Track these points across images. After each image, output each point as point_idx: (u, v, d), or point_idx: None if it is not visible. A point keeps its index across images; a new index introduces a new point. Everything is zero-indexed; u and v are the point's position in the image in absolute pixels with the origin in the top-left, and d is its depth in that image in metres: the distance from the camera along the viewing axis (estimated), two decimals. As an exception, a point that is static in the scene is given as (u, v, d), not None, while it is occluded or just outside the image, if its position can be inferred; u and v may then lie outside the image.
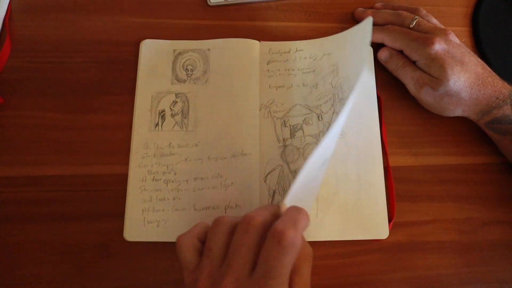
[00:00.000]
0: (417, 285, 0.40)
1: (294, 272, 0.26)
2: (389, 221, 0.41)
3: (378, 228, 0.40)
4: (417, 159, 0.44)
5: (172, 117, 0.42)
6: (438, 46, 0.40)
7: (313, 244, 0.39)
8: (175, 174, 0.40)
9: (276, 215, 0.28)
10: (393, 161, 0.43)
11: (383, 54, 0.45)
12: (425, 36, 0.41)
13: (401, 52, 0.44)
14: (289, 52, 0.46)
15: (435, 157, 0.44)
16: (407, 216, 0.42)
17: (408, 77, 0.43)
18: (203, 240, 0.29)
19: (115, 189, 0.40)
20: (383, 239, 0.40)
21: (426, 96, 0.42)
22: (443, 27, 0.43)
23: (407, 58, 0.43)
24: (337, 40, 0.45)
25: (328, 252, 0.40)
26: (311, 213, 0.40)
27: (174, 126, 0.42)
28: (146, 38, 0.44)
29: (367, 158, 0.43)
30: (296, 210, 0.27)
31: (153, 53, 0.44)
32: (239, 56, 0.44)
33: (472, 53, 0.42)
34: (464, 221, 0.42)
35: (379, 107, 0.45)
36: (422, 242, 0.41)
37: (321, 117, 0.43)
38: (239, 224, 0.28)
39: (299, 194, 0.30)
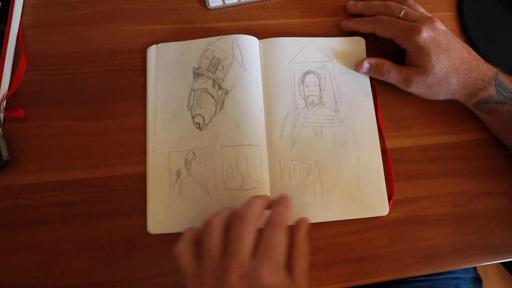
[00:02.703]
0: (418, 254, 0.43)
1: (293, 263, 0.32)
2: (389, 199, 0.44)
3: (379, 206, 0.44)
4: (411, 140, 0.47)
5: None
6: (425, 34, 0.43)
7: (321, 224, 0.43)
8: (189, 170, 0.43)
9: (267, 205, 0.34)
10: (390, 144, 0.46)
11: (363, 68, 0.47)
12: (413, 25, 0.44)
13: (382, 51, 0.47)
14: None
15: (428, 137, 0.47)
16: (406, 193, 0.45)
17: (395, 79, 0.45)
18: (196, 244, 0.32)
19: (136, 188, 0.43)
20: (384, 216, 0.44)
21: (416, 89, 0.44)
22: (430, 15, 0.46)
23: (388, 62, 0.45)
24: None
25: (335, 231, 0.43)
26: (317, 197, 0.43)
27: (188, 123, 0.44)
28: (153, 44, 0.47)
29: (366, 142, 0.46)
30: (283, 200, 0.34)
31: (161, 57, 0.47)
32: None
33: (457, 39, 0.45)
34: (458, 194, 0.45)
35: (374, 95, 0.48)
36: (421, 216, 0.44)
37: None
38: (234, 220, 0.32)
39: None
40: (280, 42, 0.48)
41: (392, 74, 0.45)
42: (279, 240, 0.31)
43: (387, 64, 0.45)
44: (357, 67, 0.48)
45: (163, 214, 0.42)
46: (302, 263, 0.32)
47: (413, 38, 0.43)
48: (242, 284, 0.28)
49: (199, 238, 0.32)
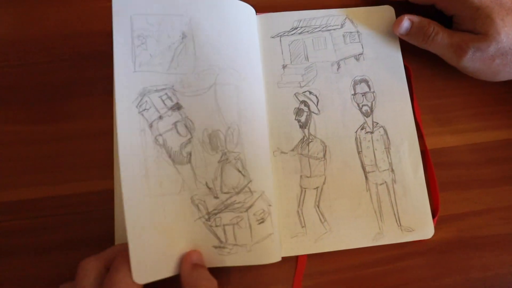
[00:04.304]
0: (474, 290, 0.33)
1: None
2: (433, 216, 0.34)
3: (421, 226, 0.34)
4: (459, 138, 0.37)
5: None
6: (482, -8, 0.32)
7: (341, 253, 0.33)
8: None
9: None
10: (431, 143, 0.37)
11: (401, 27, 0.36)
12: None
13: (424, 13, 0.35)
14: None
15: (482, 133, 0.38)
16: (454, 207, 0.36)
17: (443, 47, 0.34)
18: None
19: (103, 209, 0.34)
20: (427, 239, 0.34)
21: (472, 62, 0.34)
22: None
23: (434, 23, 0.35)
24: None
25: (359, 260, 0.34)
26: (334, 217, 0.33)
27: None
28: None
29: (400, 142, 0.36)
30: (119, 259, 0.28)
31: None
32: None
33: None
34: (525, 208, 0.35)
35: (408, 80, 0.37)
36: (475, 237, 0.35)
37: None
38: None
39: None
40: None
41: (441, 38, 0.34)
42: None
43: (433, 24, 0.35)
44: (393, 27, 0.37)
45: (149, 251, 0.32)
46: None
47: (467, -2, 0.32)
48: None
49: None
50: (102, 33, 0.38)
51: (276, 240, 0.32)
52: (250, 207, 0.31)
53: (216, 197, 0.31)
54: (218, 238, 0.30)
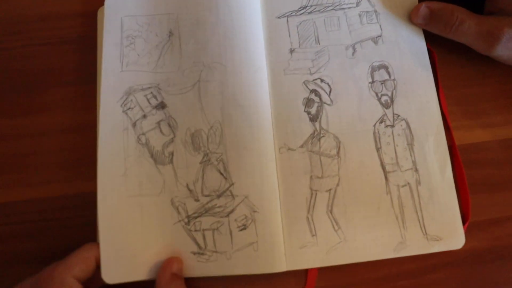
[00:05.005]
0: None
1: None
2: (463, 222, 0.31)
3: (449, 233, 0.30)
4: (491, 132, 0.34)
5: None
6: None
7: (356, 266, 0.29)
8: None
9: None
10: (460, 138, 0.33)
11: (419, 16, 0.32)
12: None
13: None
14: None
15: None
16: (488, 212, 0.32)
17: (471, 36, 0.30)
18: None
19: (83, 215, 0.31)
20: (457, 250, 0.30)
21: (507, 50, 0.29)
22: None
23: (459, 9, 0.30)
24: None
25: (378, 274, 0.30)
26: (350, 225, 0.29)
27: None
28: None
29: (424, 138, 0.32)
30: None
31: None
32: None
33: None
34: None
35: (433, 66, 0.33)
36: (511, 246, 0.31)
37: None
38: None
39: None
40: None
41: (467, 26, 0.30)
42: None
43: (457, 11, 0.30)
44: (410, 15, 0.33)
45: (122, 252, 0.29)
46: None
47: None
48: None
49: None
50: (84, 14, 0.34)
51: (263, 249, 0.29)
52: (231, 212, 0.29)
53: (197, 200, 0.30)
54: (197, 244, 0.29)
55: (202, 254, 0.29)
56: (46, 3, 0.34)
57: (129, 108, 0.31)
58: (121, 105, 0.31)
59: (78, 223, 0.30)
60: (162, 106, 0.31)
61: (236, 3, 0.32)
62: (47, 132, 0.32)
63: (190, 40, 0.32)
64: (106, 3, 0.32)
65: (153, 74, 0.31)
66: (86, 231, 0.30)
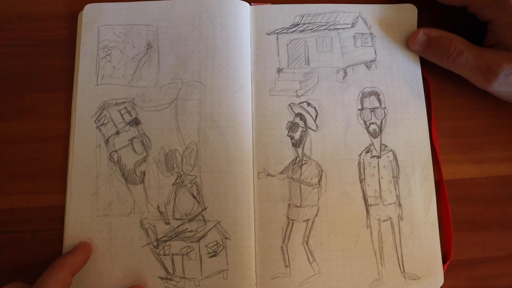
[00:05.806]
0: None
1: None
2: (444, 261, 0.30)
3: (428, 273, 0.29)
4: (482, 168, 0.32)
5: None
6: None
7: None
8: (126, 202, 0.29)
9: None
10: (448, 172, 0.32)
11: (416, 42, 0.31)
12: None
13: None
14: None
15: (508, 165, 0.32)
16: (469, 251, 0.31)
17: (469, 67, 0.29)
18: None
19: (52, 229, 0.29)
20: None
21: (504, 86, 0.28)
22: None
23: (458, 39, 0.29)
24: None
25: None
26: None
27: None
28: (87, 4, 0.32)
29: (411, 171, 0.30)
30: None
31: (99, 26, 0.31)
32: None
33: None
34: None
35: (427, 95, 0.32)
36: None
37: None
38: None
39: None
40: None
41: (465, 58, 0.28)
42: None
43: (456, 41, 0.29)
44: (408, 41, 0.31)
45: (87, 272, 0.28)
46: None
47: (507, 1, 0.26)
48: None
49: None
50: (65, 16, 0.32)
51: (232, 278, 0.28)
52: (202, 237, 0.28)
53: (167, 223, 0.29)
54: (165, 269, 0.28)
55: (170, 279, 0.28)
56: (26, 3, 0.32)
57: (103, 124, 0.29)
58: (95, 121, 0.29)
59: (44, 237, 0.29)
60: (136, 122, 0.29)
61: (222, 19, 0.31)
62: (18, 140, 0.30)
63: (170, 55, 0.30)
64: (84, 10, 0.31)
65: (128, 88, 0.30)
66: (53, 246, 0.28)
